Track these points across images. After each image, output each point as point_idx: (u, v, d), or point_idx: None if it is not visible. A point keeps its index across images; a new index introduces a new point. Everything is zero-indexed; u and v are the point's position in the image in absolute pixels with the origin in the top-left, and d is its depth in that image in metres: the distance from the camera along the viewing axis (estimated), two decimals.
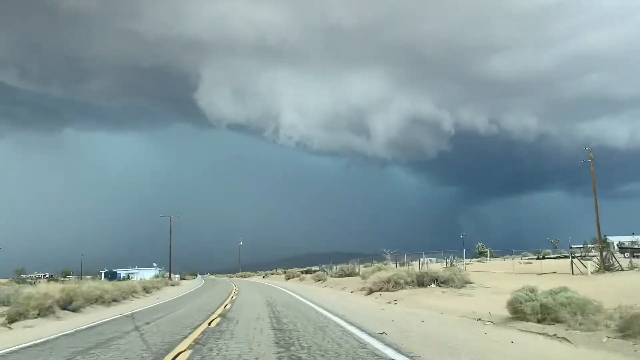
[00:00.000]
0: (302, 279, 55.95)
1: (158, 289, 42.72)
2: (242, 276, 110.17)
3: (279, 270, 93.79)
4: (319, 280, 45.10)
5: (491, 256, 71.79)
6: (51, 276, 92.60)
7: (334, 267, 53.00)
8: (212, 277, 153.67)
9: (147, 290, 36.46)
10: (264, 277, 78.65)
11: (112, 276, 70.82)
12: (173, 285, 56.93)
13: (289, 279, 62.86)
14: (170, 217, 67.58)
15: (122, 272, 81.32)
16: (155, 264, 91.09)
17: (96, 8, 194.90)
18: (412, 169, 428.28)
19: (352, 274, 40.89)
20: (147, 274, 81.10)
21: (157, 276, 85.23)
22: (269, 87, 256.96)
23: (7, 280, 65.22)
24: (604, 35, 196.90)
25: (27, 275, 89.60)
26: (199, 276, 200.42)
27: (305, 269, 76.72)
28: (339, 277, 42.23)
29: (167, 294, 38.13)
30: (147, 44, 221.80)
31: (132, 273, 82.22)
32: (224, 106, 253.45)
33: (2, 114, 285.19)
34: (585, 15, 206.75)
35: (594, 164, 34.02)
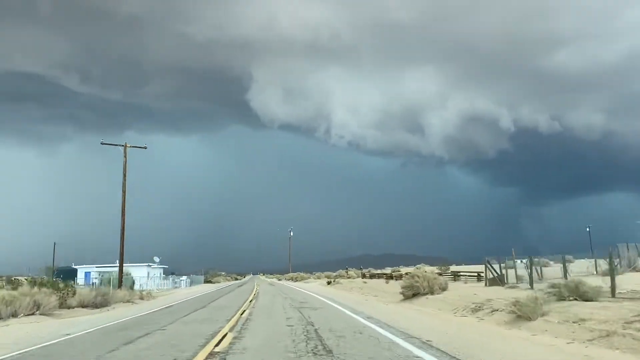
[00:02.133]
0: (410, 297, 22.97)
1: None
2: (292, 278, 78.11)
3: (351, 272, 60.77)
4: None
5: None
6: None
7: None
8: (263, 277, 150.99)
9: None
10: (330, 282, 45.10)
11: (67, 276, 41.68)
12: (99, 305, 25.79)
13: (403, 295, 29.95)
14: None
15: (93, 269, 52.60)
16: (157, 259, 61.48)
17: (151, 13, 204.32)
18: (469, 169, 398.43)
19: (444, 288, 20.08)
20: (135, 273, 51.48)
21: (154, 277, 55.56)
22: (321, 86, 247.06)
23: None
24: None
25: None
26: (248, 276, 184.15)
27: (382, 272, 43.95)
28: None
29: None
30: (201, 47, 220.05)
31: (106, 272, 53.76)
32: (276, 106, 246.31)
33: (68, 117, 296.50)
34: None
35: None
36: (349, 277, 57.45)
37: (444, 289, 20.44)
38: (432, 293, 20.02)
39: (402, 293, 21.43)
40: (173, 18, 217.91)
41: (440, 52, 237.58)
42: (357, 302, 21.88)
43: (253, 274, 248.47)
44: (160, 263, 63.65)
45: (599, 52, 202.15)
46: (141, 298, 31.01)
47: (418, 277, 20.69)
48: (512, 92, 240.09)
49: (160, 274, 63.44)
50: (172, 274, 69.55)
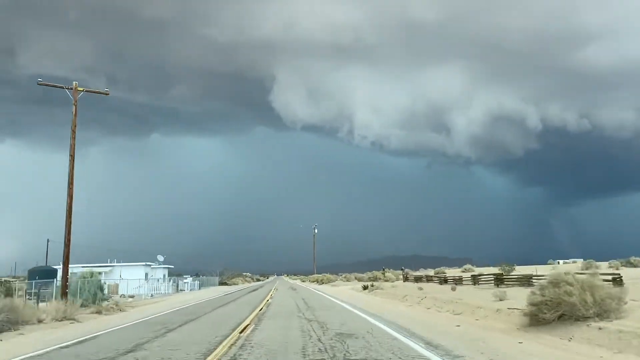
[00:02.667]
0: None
1: None
2: (318, 280, 68.28)
3: (389, 274, 50.54)
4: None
5: None
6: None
7: None
8: (286, 278, 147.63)
9: None
10: (367, 287, 32.65)
11: (46, 276, 32.79)
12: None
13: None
14: None
15: (77, 268, 43.71)
16: (160, 257, 52.55)
17: (174, 16, 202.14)
18: (497, 169, 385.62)
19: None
20: (127, 274, 42.52)
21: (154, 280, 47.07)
22: (343, 86, 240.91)
23: None
24: None
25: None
26: (272, 277, 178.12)
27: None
28: None
29: None
30: (224, 49, 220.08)
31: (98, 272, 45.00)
32: (298, 107, 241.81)
33: (95, 121, 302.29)
34: None
35: None
36: (386, 280, 47.36)
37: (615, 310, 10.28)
38: (602, 316, 9.92)
39: (529, 314, 11.33)
40: (197, 21, 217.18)
41: (465, 50, 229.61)
42: (465, 336, 11.77)
43: (277, 275, 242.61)
44: (166, 262, 54.65)
45: (630, 48, 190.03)
46: (112, 309, 21.78)
47: (568, 284, 10.54)
48: (539, 90, 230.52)
49: (165, 275, 54.43)
50: (179, 274, 60.51)
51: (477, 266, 67.97)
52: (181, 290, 48.68)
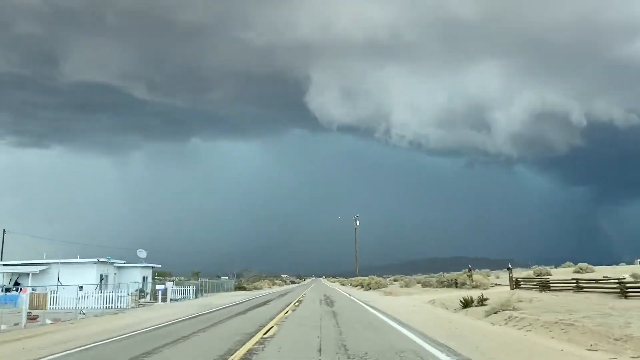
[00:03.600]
0: None
1: None
2: (362, 285, 51.38)
3: (478, 275, 33.39)
4: None
5: None
6: None
7: None
8: (324, 281, 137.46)
9: None
10: (468, 303, 17.12)
11: None
12: None
13: None
14: None
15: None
16: (142, 253, 36.98)
17: (210, 20, 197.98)
18: (540, 167, 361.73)
19: None
20: (70, 276, 27.12)
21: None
22: (379, 85, 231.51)
23: None
24: None
25: None
26: (309, 279, 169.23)
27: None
28: None
29: None
30: (260, 51, 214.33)
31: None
32: (334, 108, 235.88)
33: (137, 126, 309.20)
34: None
35: None
36: (476, 286, 29.90)
37: None
38: None
39: None
40: (233, 25, 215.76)
41: (506, 46, 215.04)
42: None
43: (315, 277, 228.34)
44: (148, 260, 38.86)
45: None
46: None
47: None
48: (584, 85, 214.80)
49: (146, 278, 38.68)
50: (179, 279, 44.57)
51: (520, 268, 57.14)
52: (163, 301, 32.63)
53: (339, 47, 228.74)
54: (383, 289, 40.90)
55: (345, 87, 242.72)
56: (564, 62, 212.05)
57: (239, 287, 57.27)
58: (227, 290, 52.89)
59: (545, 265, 50.22)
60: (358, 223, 76.49)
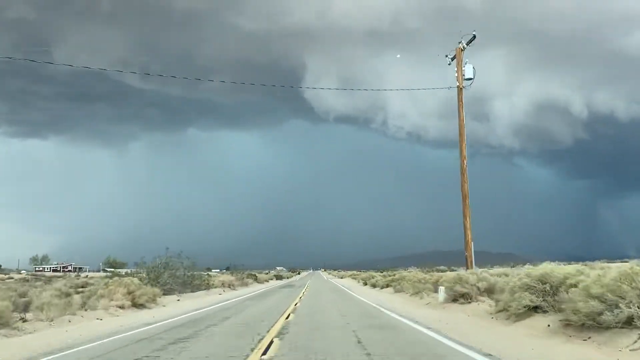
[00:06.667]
0: None
1: None
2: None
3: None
4: None
5: None
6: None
7: None
8: (323, 273, 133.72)
9: None
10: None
11: None
12: None
13: None
14: None
15: None
16: None
17: (205, 7, 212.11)
18: (542, 160, 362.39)
19: None
20: None
21: None
22: (378, 74, 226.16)
23: None
24: None
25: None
26: (305, 273, 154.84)
27: None
28: None
29: None
30: (256, 38, 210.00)
31: None
32: (331, 97, 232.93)
33: (134, 116, 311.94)
34: None
35: None
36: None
37: None
38: None
39: None
40: (227, 11, 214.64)
41: (508, 36, 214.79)
42: None
43: (313, 269, 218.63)
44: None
45: None
46: None
47: None
48: (587, 76, 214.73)
49: None
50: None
51: (522, 262, 54.51)
52: None
53: (335, 34, 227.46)
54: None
55: (342, 75, 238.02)
56: (567, 53, 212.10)
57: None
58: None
59: (548, 261, 41.84)
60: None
